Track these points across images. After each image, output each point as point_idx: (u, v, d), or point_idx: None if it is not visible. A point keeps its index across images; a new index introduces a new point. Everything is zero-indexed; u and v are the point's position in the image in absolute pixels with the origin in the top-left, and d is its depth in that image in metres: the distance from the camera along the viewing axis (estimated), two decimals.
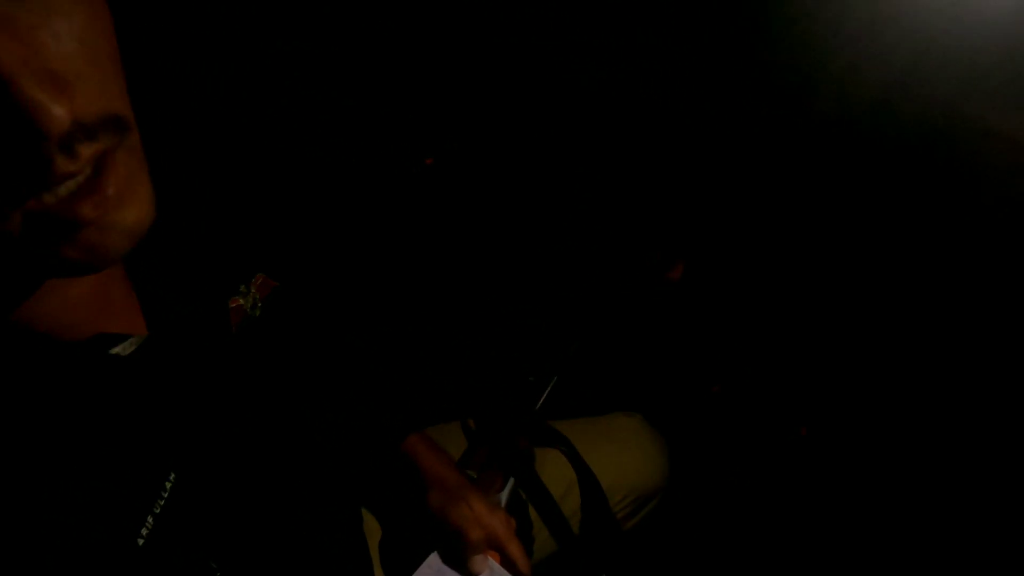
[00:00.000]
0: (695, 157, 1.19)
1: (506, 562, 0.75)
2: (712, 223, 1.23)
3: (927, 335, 1.05)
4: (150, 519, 0.43)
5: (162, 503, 0.44)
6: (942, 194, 0.94)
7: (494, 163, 1.20)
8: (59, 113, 0.29)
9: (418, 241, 1.10)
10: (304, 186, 0.99)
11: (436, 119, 1.21)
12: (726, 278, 1.29)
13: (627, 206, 1.18)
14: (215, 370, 0.53)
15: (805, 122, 1.06)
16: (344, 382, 0.81)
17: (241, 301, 0.58)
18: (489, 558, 0.75)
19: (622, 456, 0.97)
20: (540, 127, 1.23)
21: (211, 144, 0.67)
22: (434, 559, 0.77)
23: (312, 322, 0.73)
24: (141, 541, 0.42)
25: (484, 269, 1.15)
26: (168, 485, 0.44)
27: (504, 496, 0.88)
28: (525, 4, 1.16)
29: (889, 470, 1.10)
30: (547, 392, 1.01)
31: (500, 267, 1.15)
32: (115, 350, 0.45)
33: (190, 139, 0.46)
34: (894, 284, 1.07)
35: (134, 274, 0.50)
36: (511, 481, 0.89)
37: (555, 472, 0.93)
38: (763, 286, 1.24)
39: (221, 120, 0.94)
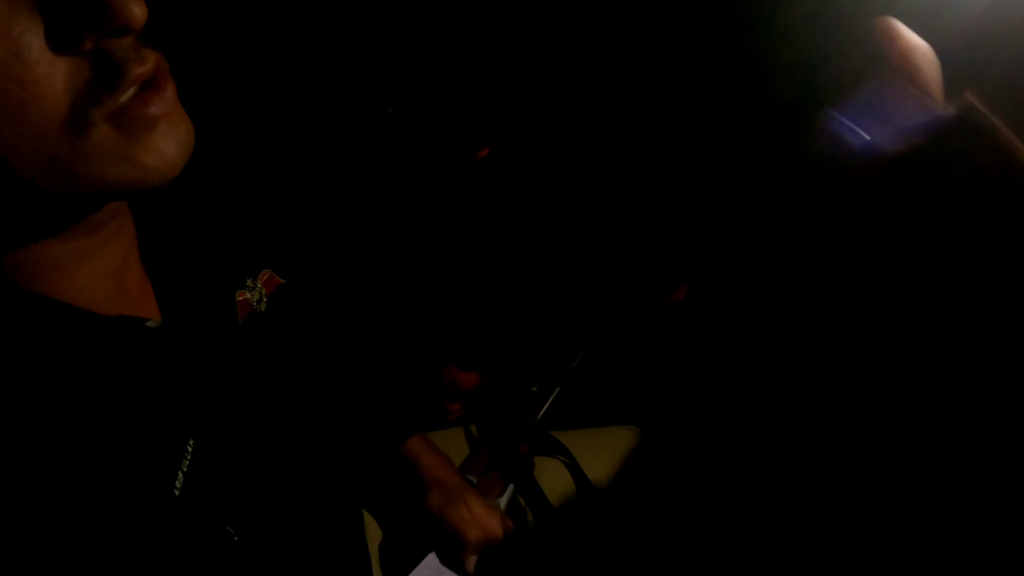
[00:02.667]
0: (697, 174, 1.21)
1: None
2: (716, 241, 1.25)
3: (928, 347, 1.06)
4: (181, 474, 0.46)
5: (187, 462, 0.47)
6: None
7: (503, 172, 1.22)
8: (138, 12, 0.36)
9: (427, 246, 1.12)
10: (314, 183, 1.01)
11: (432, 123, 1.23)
12: (729, 297, 1.30)
13: (633, 222, 1.21)
14: (222, 360, 0.56)
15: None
16: (348, 382, 0.83)
17: (248, 295, 0.60)
18: None
19: (620, 467, 0.99)
20: (550, 139, 1.25)
21: (221, 135, 0.70)
22: (432, 559, 0.79)
23: (316, 321, 0.75)
24: (177, 492, 0.45)
25: (492, 279, 1.17)
26: (189, 448, 0.47)
27: (503, 501, 0.90)
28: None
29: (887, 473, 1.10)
30: (549, 402, 1.03)
31: (507, 278, 1.18)
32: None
33: (202, 131, 0.49)
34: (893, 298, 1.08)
35: (149, 261, 0.53)
36: (510, 487, 0.91)
37: (554, 480, 0.95)
38: (766, 304, 1.25)
39: (230, 112, 0.96)
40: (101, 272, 0.47)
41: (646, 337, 1.25)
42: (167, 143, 0.40)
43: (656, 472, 1.01)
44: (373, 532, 0.89)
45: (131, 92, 0.38)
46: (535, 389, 1.02)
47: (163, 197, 0.55)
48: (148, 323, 0.49)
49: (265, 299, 0.63)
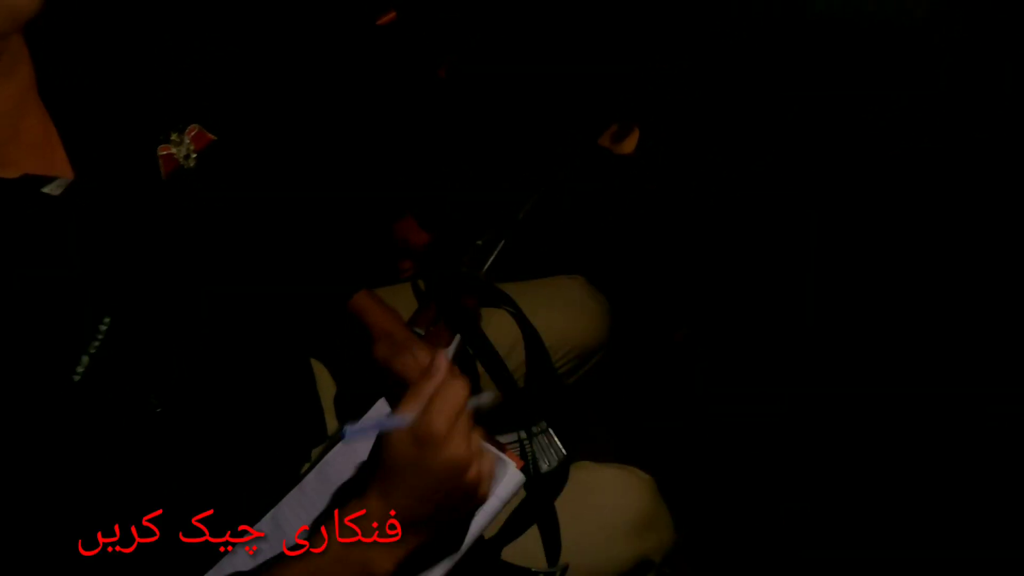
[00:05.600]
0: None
1: None
2: (668, 91, 1.22)
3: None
4: (85, 358, 0.45)
5: (97, 344, 0.46)
6: None
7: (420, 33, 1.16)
8: None
9: (376, 93, 1.07)
10: (251, 25, 0.93)
11: None
12: (678, 149, 1.30)
13: (586, 73, 1.17)
14: (144, 218, 0.54)
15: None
16: (288, 241, 0.81)
17: (172, 150, 0.57)
18: None
19: (564, 315, 1.02)
20: None
21: None
22: (382, 404, 0.81)
23: (255, 179, 0.73)
24: (77, 378, 0.45)
25: (438, 130, 1.14)
26: (103, 328, 0.46)
27: (451, 351, 0.92)
28: None
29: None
30: (495, 255, 1.04)
31: (453, 130, 1.15)
32: (46, 189, 0.46)
33: None
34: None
35: (55, 109, 0.49)
36: (457, 338, 0.93)
37: (501, 330, 0.98)
38: (722, 163, 1.25)
39: None
40: None
41: (594, 188, 1.25)
42: None
43: (599, 319, 1.05)
44: (326, 384, 0.91)
45: None
46: (480, 243, 1.03)
47: (69, 36, 0.51)
48: (54, 183, 0.46)
49: (194, 155, 0.60)
